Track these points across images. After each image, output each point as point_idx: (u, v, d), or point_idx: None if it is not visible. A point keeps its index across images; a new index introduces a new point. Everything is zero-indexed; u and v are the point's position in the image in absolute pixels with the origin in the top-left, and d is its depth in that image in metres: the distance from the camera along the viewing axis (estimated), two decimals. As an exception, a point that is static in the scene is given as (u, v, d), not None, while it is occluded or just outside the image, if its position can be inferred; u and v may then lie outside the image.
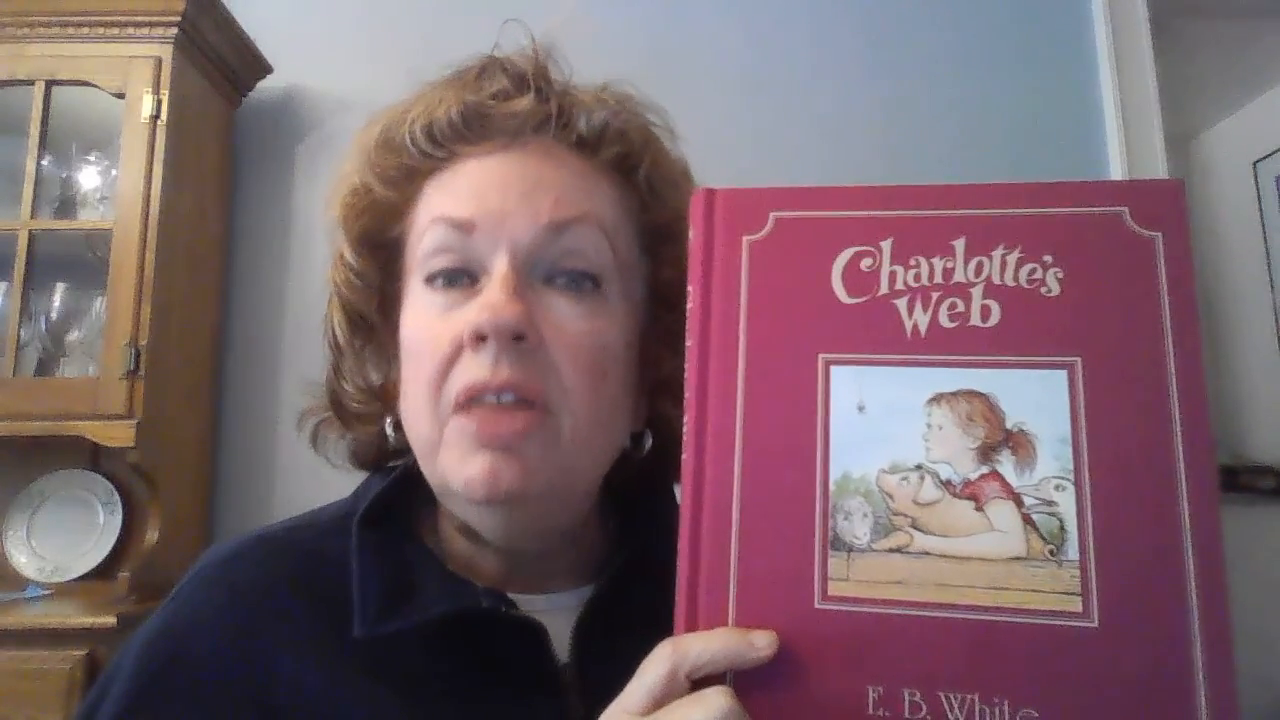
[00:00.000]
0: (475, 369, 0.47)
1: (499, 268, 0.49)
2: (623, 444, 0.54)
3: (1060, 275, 0.39)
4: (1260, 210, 2.34)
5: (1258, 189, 2.35)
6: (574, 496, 0.52)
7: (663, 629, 0.39)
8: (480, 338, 0.47)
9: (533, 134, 0.52)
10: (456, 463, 0.48)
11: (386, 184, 0.54)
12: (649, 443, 0.56)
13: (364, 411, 0.57)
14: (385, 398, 0.56)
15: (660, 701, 0.36)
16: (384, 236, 0.55)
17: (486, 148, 0.52)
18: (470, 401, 0.47)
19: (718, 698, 0.35)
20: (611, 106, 0.55)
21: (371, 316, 0.56)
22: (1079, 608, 0.36)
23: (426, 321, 0.50)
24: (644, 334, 0.55)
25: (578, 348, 0.49)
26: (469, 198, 0.50)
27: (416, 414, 0.50)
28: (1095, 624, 0.36)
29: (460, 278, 0.50)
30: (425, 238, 0.51)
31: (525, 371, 0.47)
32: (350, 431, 0.58)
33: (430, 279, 0.51)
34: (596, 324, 0.50)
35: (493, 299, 0.47)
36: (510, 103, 0.52)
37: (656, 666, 0.37)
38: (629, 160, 0.55)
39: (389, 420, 0.56)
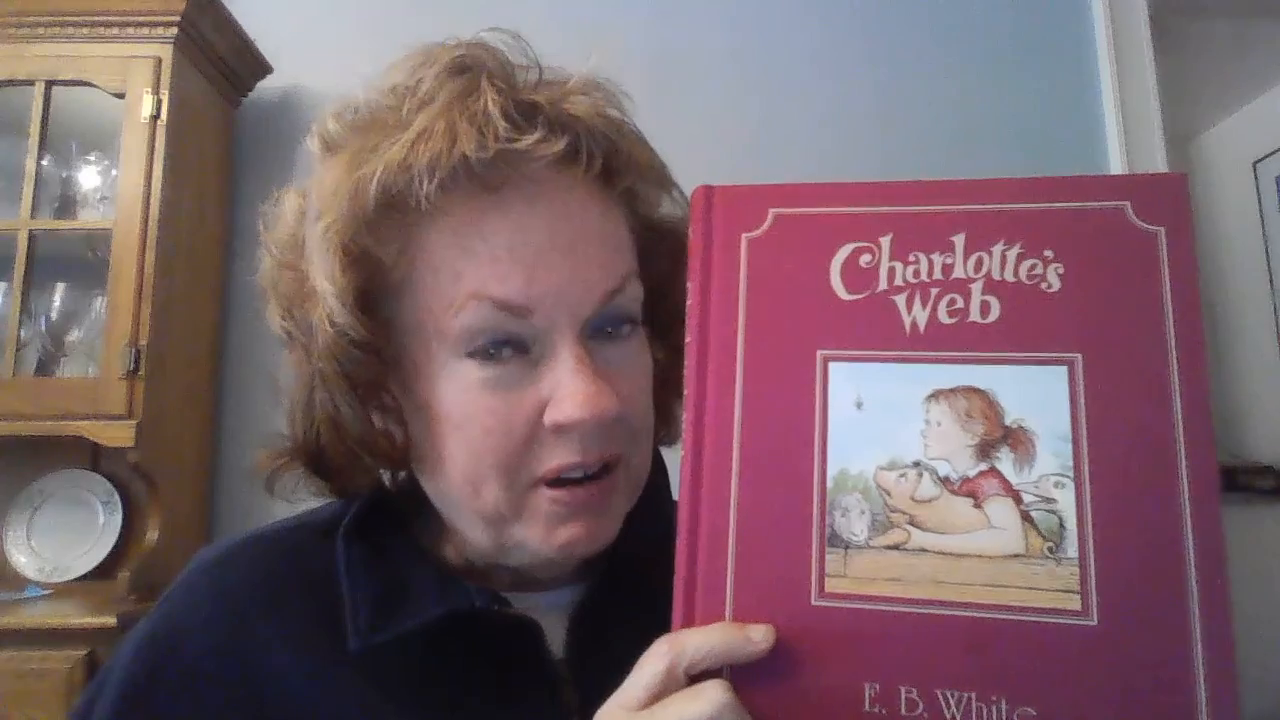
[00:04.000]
0: (565, 453, 0.47)
1: (565, 349, 0.46)
2: None
3: (1061, 271, 0.39)
4: (1260, 210, 2.34)
5: (1258, 189, 2.35)
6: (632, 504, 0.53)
7: (658, 625, 0.38)
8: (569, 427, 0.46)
9: (549, 171, 0.48)
10: (543, 532, 0.48)
11: (379, 238, 0.47)
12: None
13: (353, 465, 0.52)
14: (389, 454, 0.51)
15: (658, 696, 0.36)
16: (375, 291, 0.48)
17: (505, 194, 0.47)
18: (559, 479, 0.47)
19: (715, 692, 0.35)
20: (614, 125, 0.50)
21: (372, 377, 0.49)
22: (1078, 605, 0.36)
23: (477, 398, 0.47)
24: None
25: (637, 392, 0.50)
26: (513, 273, 0.46)
27: (475, 487, 0.47)
28: (1094, 622, 0.35)
29: (508, 349, 0.47)
30: (465, 314, 0.46)
31: (611, 443, 0.48)
32: (329, 483, 0.54)
33: (473, 353, 0.47)
34: (642, 360, 0.51)
35: (582, 389, 0.45)
36: (538, 147, 0.46)
37: (654, 661, 0.37)
38: (635, 191, 0.53)
39: (386, 473, 0.53)
